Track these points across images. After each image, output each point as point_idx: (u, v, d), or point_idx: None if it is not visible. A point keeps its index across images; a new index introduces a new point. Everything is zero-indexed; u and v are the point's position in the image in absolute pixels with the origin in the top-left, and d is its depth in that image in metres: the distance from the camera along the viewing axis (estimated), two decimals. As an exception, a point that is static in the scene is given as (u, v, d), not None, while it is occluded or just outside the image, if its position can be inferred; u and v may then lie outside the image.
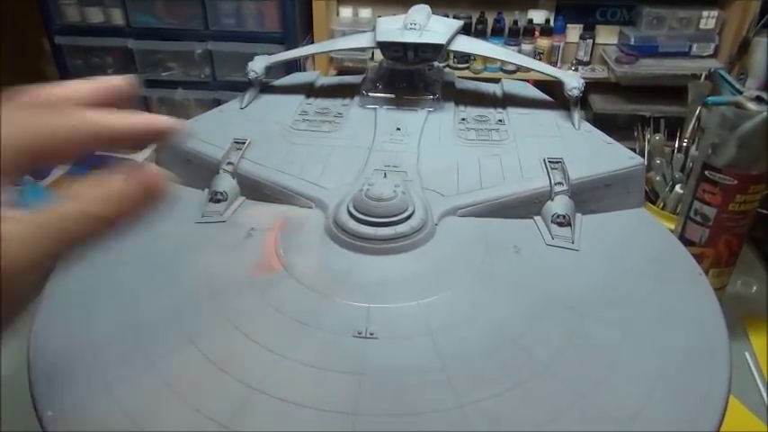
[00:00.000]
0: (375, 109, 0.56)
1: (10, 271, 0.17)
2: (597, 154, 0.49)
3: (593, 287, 0.38)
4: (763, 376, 0.50)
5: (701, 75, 0.91)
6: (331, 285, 0.37)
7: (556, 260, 0.41)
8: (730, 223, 0.50)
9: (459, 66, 1.70)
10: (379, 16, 0.63)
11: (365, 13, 1.73)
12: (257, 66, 0.60)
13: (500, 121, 0.55)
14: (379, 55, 0.60)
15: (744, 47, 1.45)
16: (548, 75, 0.59)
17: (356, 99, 0.58)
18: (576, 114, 0.55)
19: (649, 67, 1.64)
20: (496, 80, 0.66)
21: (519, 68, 1.60)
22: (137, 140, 0.22)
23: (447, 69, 0.66)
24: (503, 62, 1.59)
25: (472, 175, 0.47)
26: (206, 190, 0.48)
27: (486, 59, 1.67)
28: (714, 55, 1.66)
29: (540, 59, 1.41)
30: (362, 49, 1.54)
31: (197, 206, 0.46)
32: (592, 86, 1.62)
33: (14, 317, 0.19)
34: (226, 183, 0.47)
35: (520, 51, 1.65)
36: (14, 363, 0.36)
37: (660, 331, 0.35)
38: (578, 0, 1.70)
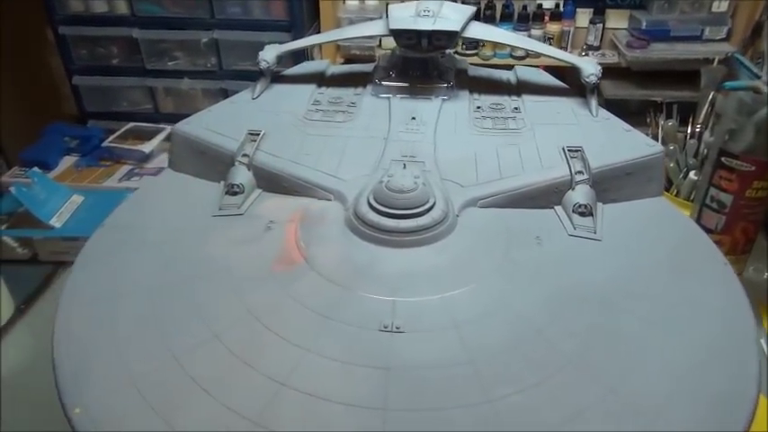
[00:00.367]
0: (389, 98, 0.56)
1: None
2: (616, 142, 0.49)
3: (616, 278, 0.38)
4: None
5: (713, 59, 0.89)
6: (353, 278, 0.36)
7: (578, 251, 0.40)
8: (747, 210, 0.50)
9: (468, 52, 1.68)
10: (387, 3, 0.61)
11: (372, 0, 1.71)
12: (268, 55, 0.59)
13: (516, 108, 0.55)
14: (386, 43, 0.59)
15: (757, 30, 1.42)
16: (564, 61, 0.58)
17: (369, 88, 0.58)
18: (594, 101, 0.54)
19: (661, 51, 1.61)
20: (507, 66, 0.65)
21: (529, 54, 1.58)
22: None
23: (457, 56, 0.65)
24: (512, 48, 1.57)
25: (491, 164, 0.46)
26: (221, 182, 0.47)
27: (495, 45, 1.65)
28: (727, 39, 1.63)
29: (549, 45, 1.39)
30: (373, 37, 1.52)
31: (213, 199, 0.46)
32: (602, 72, 1.60)
33: None
34: (242, 175, 0.47)
35: (529, 37, 1.63)
36: (15, 363, 0.36)
37: (687, 324, 0.35)
38: (588, -16, 1.68)
